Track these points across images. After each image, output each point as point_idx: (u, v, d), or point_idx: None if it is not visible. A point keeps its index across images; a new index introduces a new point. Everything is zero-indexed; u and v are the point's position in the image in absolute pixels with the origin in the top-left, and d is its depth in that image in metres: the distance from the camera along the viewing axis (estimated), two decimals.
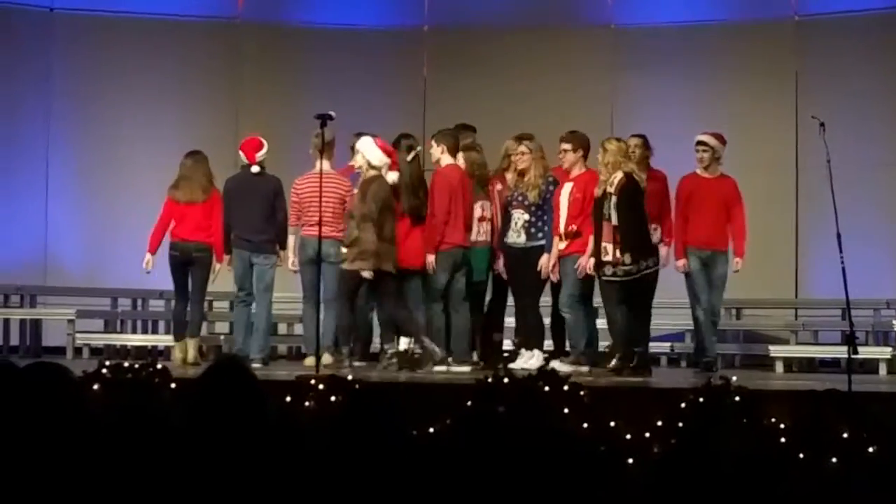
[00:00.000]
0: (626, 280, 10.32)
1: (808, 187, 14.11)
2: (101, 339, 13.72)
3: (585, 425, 5.69)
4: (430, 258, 10.79)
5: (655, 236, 10.97)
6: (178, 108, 15.34)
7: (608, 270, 10.35)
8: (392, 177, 10.87)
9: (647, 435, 5.66)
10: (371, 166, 10.83)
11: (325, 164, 11.06)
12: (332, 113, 9.85)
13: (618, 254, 10.26)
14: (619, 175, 10.34)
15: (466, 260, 10.93)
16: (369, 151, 10.85)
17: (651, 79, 14.87)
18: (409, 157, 11.00)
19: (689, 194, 11.09)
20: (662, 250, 11.08)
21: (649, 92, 14.70)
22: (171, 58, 15.41)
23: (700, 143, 11.06)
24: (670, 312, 12.29)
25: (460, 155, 11.02)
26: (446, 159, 10.94)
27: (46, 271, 15.15)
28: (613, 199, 10.32)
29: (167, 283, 14.28)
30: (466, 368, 10.67)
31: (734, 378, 6.12)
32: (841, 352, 11.73)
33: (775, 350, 12.78)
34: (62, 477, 4.25)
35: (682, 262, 11.08)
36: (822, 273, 13.33)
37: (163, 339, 13.85)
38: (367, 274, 10.74)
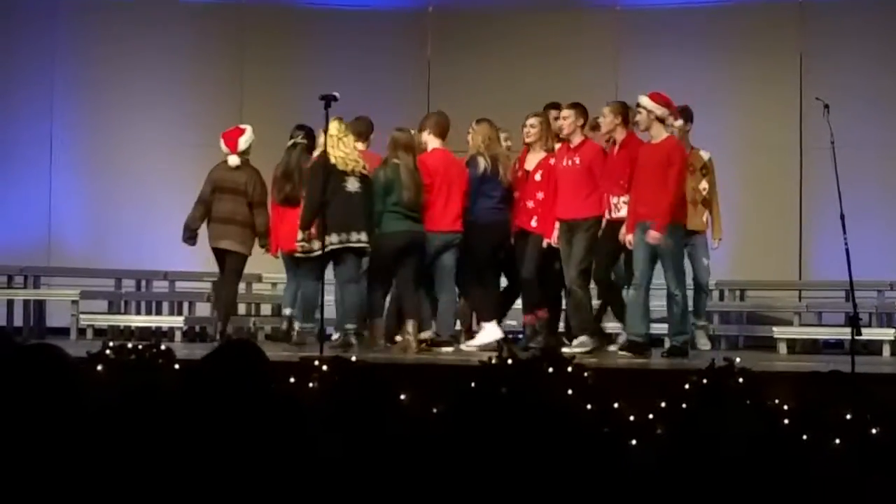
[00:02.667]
0: (308, 257, 10.79)
1: (812, 169, 14.10)
2: (104, 320, 13.71)
3: (589, 406, 5.69)
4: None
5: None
6: (182, 90, 15.34)
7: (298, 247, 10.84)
8: (231, 161, 11.52)
9: (651, 416, 5.67)
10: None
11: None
12: (336, 94, 9.83)
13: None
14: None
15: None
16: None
17: (655, 60, 14.84)
18: (288, 145, 11.45)
19: (635, 163, 10.43)
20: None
21: (654, 73, 14.63)
22: (176, 39, 15.41)
23: (637, 105, 10.44)
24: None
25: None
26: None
27: (50, 252, 15.16)
28: None
29: (171, 264, 14.35)
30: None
31: (737, 359, 6.12)
32: (844, 333, 11.72)
33: (779, 331, 12.76)
34: (57, 458, 4.26)
35: (627, 237, 10.33)
36: (826, 254, 13.32)
37: (166, 320, 13.88)
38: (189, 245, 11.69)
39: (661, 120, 10.30)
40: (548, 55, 15.13)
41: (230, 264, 11.54)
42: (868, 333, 11.75)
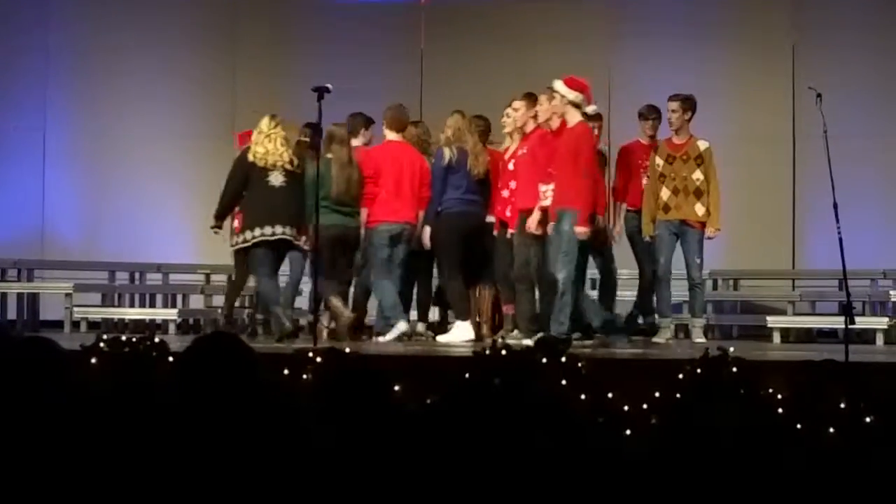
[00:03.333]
0: (237, 248, 10.96)
1: (806, 158, 14.12)
2: (98, 313, 13.74)
3: (583, 397, 5.70)
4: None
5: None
6: (175, 82, 15.34)
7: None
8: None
9: (645, 406, 5.67)
10: None
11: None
12: (329, 86, 9.84)
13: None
14: None
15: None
16: None
17: (649, 50, 14.85)
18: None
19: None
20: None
21: (647, 63, 14.67)
22: (169, 30, 15.41)
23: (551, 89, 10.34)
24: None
25: None
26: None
27: (43, 245, 15.17)
28: None
29: (165, 257, 14.35)
30: None
31: (731, 349, 6.12)
32: (838, 322, 11.75)
33: (773, 320, 12.78)
34: (51, 451, 4.25)
35: (549, 226, 10.28)
36: (820, 243, 13.34)
37: (160, 313, 13.89)
38: None
39: (577, 105, 10.15)
40: (541, 45, 15.10)
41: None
42: (861, 322, 11.77)
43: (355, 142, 11.35)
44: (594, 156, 10.22)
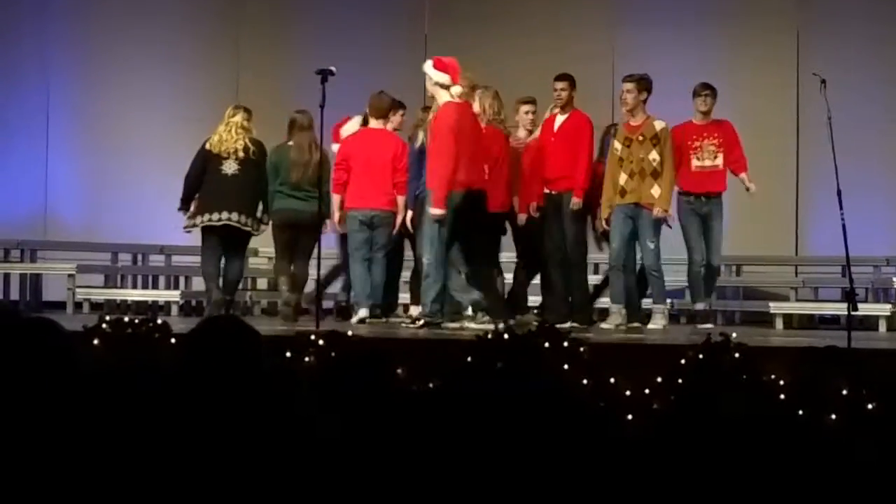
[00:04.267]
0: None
1: (809, 144, 14.10)
2: (101, 294, 13.74)
3: (585, 381, 5.69)
4: None
5: None
6: (178, 64, 15.34)
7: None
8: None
9: (647, 391, 5.67)
10: None
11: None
12: (333, 68, 9.85)
13: None
14: None
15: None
16: None
17: (652, 35, 14.82)
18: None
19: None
20: None
21: (650, 48, 14.63)
22: (172, 15, 15.41)
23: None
24: (671, 269, 12.05)
25: None
26: None
27: (46, 226, 15.18)
28: None
29: (167, 238, 14.36)
30: None
31: (734, 334, 6.12)
32: (841, 308, 11.74)
33: (775, 307, 12.79)
34: (52, 434, 4.26)
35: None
36: (823, 230, 13.33)
37: (162, 294, 13.90)
38: None
39: (444, 87, 10.25)
40: (545, 31, 15.10)
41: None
42: (864, 309, 11.77)
43: (377, 123, 11.42)
44: (448, 136, 10.21)
